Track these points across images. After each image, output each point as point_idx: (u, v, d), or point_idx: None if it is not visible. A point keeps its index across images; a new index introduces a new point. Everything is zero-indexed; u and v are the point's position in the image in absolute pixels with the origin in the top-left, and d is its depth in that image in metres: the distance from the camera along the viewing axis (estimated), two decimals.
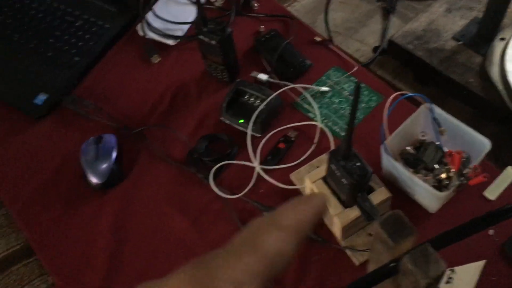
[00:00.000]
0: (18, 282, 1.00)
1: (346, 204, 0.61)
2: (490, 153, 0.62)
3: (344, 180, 0.57)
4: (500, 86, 0.80)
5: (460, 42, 0.88)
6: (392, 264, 0.33)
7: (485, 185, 0.67)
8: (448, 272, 0.62)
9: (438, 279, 0.31)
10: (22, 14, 0.93)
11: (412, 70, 0.91)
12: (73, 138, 0.79)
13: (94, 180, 0.72)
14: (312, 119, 0.77)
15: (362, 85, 0.80)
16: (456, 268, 0.61)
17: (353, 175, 0.56)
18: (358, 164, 0.56)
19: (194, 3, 0.92)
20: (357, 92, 0.47)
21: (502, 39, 0.86)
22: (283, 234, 0.26)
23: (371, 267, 0.44)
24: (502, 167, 0.70)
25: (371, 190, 0.62)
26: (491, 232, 0.64)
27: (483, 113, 0.84)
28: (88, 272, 0.66)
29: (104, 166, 0.73)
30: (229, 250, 0.25)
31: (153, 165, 0.76)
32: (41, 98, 0.82)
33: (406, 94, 0.64)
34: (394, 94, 0.62)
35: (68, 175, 0.75)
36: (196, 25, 0.74)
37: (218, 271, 0.24)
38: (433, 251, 0.31)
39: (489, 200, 0.66)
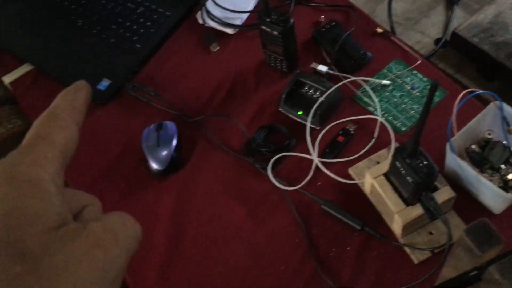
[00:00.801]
0: None
1: (408, 202, 0.60)
2: None
3: (409, 178, 0.57)
4: None
5: None
6: (474, 272, 0.32)
7: None
8: None
9: None
10: (86, 0, 0.95)
11: (476, 64, 0.88)
12: (134, 124, 0.81)
13: (154, 166, 0.74)
14: (372, 113, 0.76)
15: (424, 79, 0.78)
16: None
17: (420, 173, 0.55)
18: (425, 162, 0.55)
19: None
20: (432, 92, 0.46)
21: None
22: (65, 123, 0.26)
23: (446, 272, 0.43)
24: None
25: (435, 189, 0.61)
26: None
27: None
28: (148, 257, 0.68)
29: (165, 153, 0.74)
30: (24, 147, 0.24)
31: (211, 154, 0.77)
32: (104, 83, 0.84)
33: (475, 91, 0.62)
34: (463, 92, 0.60)
35: (129, 160, 0.77)
36: (259, 15, 0.74)
37: None
38: None
39: None
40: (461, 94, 0.60)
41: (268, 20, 0.74)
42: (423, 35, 0.93)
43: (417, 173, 0.55)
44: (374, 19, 0.91)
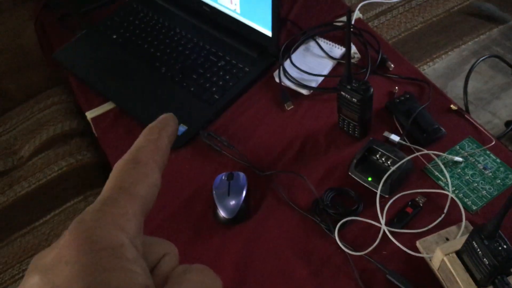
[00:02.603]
0: None
1: (480, 284, 0.60)
2: None
3: (485, 260, 0.56)
4: None
5: None
6: None
7: None
8: None
9: None
10: (171, 49, 1.02)
11: None
12: (206, 171, 0.84)
13: (223, 214, 0.76)
14: (442, 188, 0.76)
15: (498, 160, 0.78)
16: None
17: (498, 257, 0.55)
18: (504, 246, 0.55)
19: (340, 60, 0.95)
20: None
21: None
22: (147, 169, 0.24)
23: None
24: None
25: (509, 273, 0.60)
26: None
27: None
28: None
29: (234, 202, 0.76)
30: (102, 200, 0.23)
31: (278, 209, 0.78)
32: (181, 129, 0.88)
33: None
34: None
35: (198, 206, 0.80)
36: (340, 81, 0.77)
37: None
38: None
39: None
40: None
41: (349, 87, 0.76)
42: (493, 115, 0.94)
43: (495, 256, 0.55)
44: (447, 95, 0.93)
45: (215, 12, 1.02)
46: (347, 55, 0.73)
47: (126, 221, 0.22)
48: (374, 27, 1.16)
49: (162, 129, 0.27)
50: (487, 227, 0.56)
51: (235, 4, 0.97)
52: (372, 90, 0.77)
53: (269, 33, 0.94)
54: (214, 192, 0.78)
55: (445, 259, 0.63)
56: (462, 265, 0.62)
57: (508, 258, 0.55)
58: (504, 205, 0.52)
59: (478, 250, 0.57)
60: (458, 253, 0.63)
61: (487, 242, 0.56)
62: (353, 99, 0.77)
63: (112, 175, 0.24)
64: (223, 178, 0.79)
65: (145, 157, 0.25)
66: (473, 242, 0.58)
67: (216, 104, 0.91)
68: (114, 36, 1.07)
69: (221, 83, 0.94)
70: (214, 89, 0.93)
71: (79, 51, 1.07)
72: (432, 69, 1.03)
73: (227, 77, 0.95)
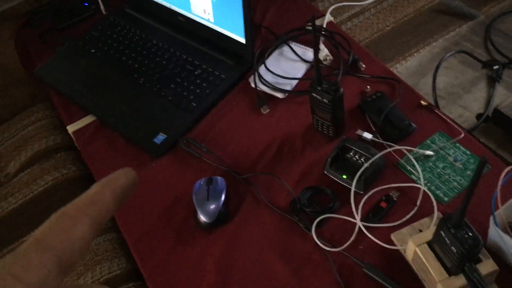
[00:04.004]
0: None
1: (451, 272, 0.62)
2: None
3: (453, 248, 0.58)
4: None
5: None
6: None
7: None
8: None
9: None
10: (149, 60, 1.04)
11: None
12: (186, 177, 0.86)
13: (203, 218, 0.78)
14: (414, 182, 0.79)
15: (468, 152, 0.80)
16: None
17: (464, 244, 0.57)
18: (470, 234, 0.57)
19: (311, 62, 0.98)
20: (481, 167, 0.49)
21: None
22: (71, 220, 0.24)
23: None
24: None
25: (478, 260, 0.63)
26: None
27: None
28: None
29: (213, 206, 0.78)
30: (16, 253, 0.23)
31: (257, 210, 0.80)
32: (160, 138, 0.90)
33: None
34: (508, 168, 0.63)
35: (179, 212, 0.82)
36: (311, 83, 0.79)
37: None
38: None
39: None
40: (506, 169, 0.62)
41: (319, 88, 0.79)
42: (465, 109, 0.97)
43: (462, 244, 0.57)
44: (418, 91, 0.96)
45: (190, 22, 1.04)
46: (315, 58, 0.75)
47: (23, 272, 0.22)
48: (347, 30, 1.19)
49: (106, 184, 0.27)
50: (453, 216, 0.58)
51: (209, 14, 0.99)
52: (342, 90, 0.79)
53: (242, 40, 0.96)
54: (194, 197, 0.80)
55: (417, 249, 0.65)
56: (434, 254, 0.64)
57: (474, 245, 0.57)
58: (465, 195, 0.54)
59: (446, 239, 0.59)
60: (430, 243, 0.65)
61: (454, 231, 0.58)
62: (324, 100, 0.79)
63: (40, 228, 0.24)
64: (202, 183, 0.81)
65: (73, 210, 0.25)
66: (441, 232, 0.60)
67: (194, 112, 0.93)
68: (93, 50, 1.09)
69: (198, 91, 0.96)
70: (191, 97, 0.95)
71: (59, 66, 1.09)
72: (405, 68, 1.06)
73: (204, 84, 0.97)
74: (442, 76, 1.03)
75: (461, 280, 0.61)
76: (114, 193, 0.27)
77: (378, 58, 1.01)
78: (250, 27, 0.94)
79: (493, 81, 1.00)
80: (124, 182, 0.28)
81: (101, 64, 1.06)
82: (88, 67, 1.06)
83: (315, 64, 0.77)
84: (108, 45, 1.09)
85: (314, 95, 0.80)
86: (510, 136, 0.90)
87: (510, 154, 0.88)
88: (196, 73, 0.99)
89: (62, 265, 0.24)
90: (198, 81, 0.98)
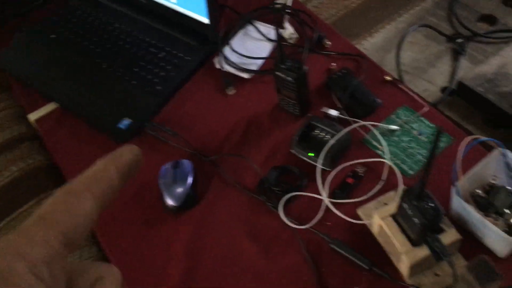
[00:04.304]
0: None
1: (415, 243, 0.63)
2: None
3: (415, 220, 0.59)
4: None
5: None
6: None
7: None
8: None
9: None
10: (111, 44, 1.01)
11: (481, 113, 0.91)
12: (153, 162, 0.84)
13: (170, 202, 0.77)
14: (380, 156, 0.79)
15: (431, 125, 0.81)
16: None
17: (426, 215, 0.58)
18: (431, 204, 0.58)
19: (274, 41, 0.97)
20: (437, 138, 0.49)
21: None
22: (75, 197, 0.23)
23: None
24: None
25: (441, 230, 0.63)
26: None
27: None
28: None
29: (180, 190, 0.78)
30: (19, 232, 0.22)
31: (225, 192, 0.80)
32: (125, 123, 0.88)
33: (479, 138, 0.66)
34: (468, 138, 0.64)
35: (147, 197, 0.81)
36: (275, 62, 0.79)
37: None
38: None
39: None
40: (466, 140, 0.63)
41: (283, 67, 0.78)
42: (430, 83, 0.97)
43: (423, 215, 0.58)
44: (383, 67, 0.96)
45: (152, 3, 1.02)
46: (277, 36, 0.74)
47: (29, 248, 0.22)
48: (314, 7, 1.18)
49: (110, 160, 0.27)
50: (414, 188, 0.59)
51: None
52: (305, 68, 0.79)
53: (206, 20, 0.95)
54: (160, 181, 0.79)
55: (382, 223, 0.66)
56: (398, 227, 0.65)
57: (435, 216, 0.58)
58: (425, 167, 0.54)
59: (408, 211, 0.60)
60: (394, 216, 0.65)
61: (415, 202, 0.59)
62: (288, 78, 0.78)
63: (45, 202, 0.24)
64: (168, 167, 0.80)
65: (78, 186, 0.25)
66: (403, 204, 0.61)
67: (159, 95, 0.92)
68: (53, 36, 1.06)
69: (162, 74, 0.95)
70: (156, 80, 0.94)
71: (18, 53, 1.06)
72: (371, 43, 1.06)
73: (169, 67, 0.95)
74: (408, 51, 1.03)
75: (424, 250, 0.62)
76: (119, 170, 0.27)
77: (345, 35, 1.00)
78: (213, 7, 0.92)
79: (457, 54, 1.01)
80: (129, 158, 0.28)
81: (62, 49, 1.03)
82: (49, 53, 1.03)
83: (278, 43, 0.76)
84: (69, 30, 1.06)
85: (278, 73, 0.79)
86: (474, 108, 0.91)
87: (474, 126, 0.90)
88: (160, 55, 0.98)
89: (66, 242, 0.23)
90: (162, 63, 0.96)
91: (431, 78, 0.98)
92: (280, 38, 0.75)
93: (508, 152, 0.67)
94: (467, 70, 0.95)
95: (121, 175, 0.27)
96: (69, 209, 0.24)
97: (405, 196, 0.60)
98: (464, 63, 1.00)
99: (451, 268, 0.60)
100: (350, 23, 1.11)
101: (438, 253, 0.59)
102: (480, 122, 0.90)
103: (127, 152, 0.28)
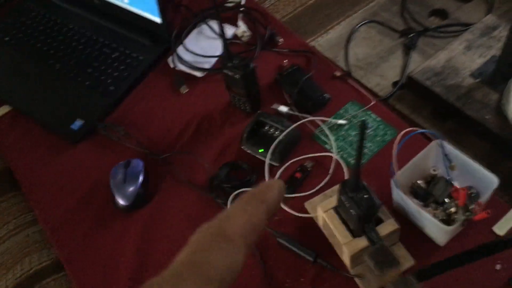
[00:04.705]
0: None
1: (355, 234, 0.64)
2: (505, 189, 0.64)
3: (352, 211, 0.61)
4: None
5: (477, 80, 0.91)
6: None
7: (495, 220, 0.69)
8: None
9: None
10: (65, 45, 1.01)
11: (430, 106, 0.93)
12: (105, 162, 0.85)
13: (121, 202, 0.77)
14: (328, 151, 0.80)
15: (378, 119, 0.83)
16: None
17: (361, 206, 0.59)
18: (366, 196, 0.59)
19: (227, 39, 0.97)
20: (362, 129, 0.51)
21: None
22: (232, 246, 0.23)
23: None
24: None
25: (380, 221, 0.65)
26: (498, 267, 0.65)
27: (499, 149, 0.86)
28: None
29: (131, 189, 0.78)
30: (172, 276, 0.22)
31: (176, 190, 0.80)
32: (77, 124, 0.88)
33: (416, 130, 0.67)
34: (404, 130, 0.65)
35: (98, 197, 0.81)
36: (222, 60, 0.79)
37: None
38: (414, 282, 0.34)
39: (498, 235, 0.68)
40: (402, 132, 0.65)
41: (230, 64, 0.79)
42: (382, 78, 0.99)
43: (359, 206, 0.59)
44: (337, 63, 0.97)
45: (105, 3, 1.02)
46: (221, 33, 0.75)
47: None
48: (272, 6, 1.19)
49: (263, 201, 0.26)
50: (349, 181, 0.60)
51: None
52: (252, 65, 0.80)
53: (158, 20, 0.95)
54: (111, 181, 0.80)
55: (324, 215, 0.67)
56: (339, 219, 0.66)
57: (369, 206, 0.59)
58: (355, 159, 0.55)
59: (346, 202, 0.61)
60: (335, 208, 0.67)
61: (351, 194, 0.60)
62: (236, 76, 0.79)
63: (193, 241, 0.24)
64: (119, 166, 0.81)
65: (233, 231, 0.24)
66: (341, 196, 0.62)
67: (112, 95, 0.92)
68: (7, 38, 1.05)
69: (116, 74, 0.95)
70: (109, 81, 0.94)
71: None
72: (326, 40, 1.07)
73: (122, 67, 0.96)
74: (361, 47, 1.05)
75: (363, 241, 0.63)
76: (269, 213, 0.27)
77: (301, 32, 1.02)
78: (164, 6, 0.93)
79: (408, 49, 1.03)
80: (277, 198, 0.28)
81: (16, 52, 1.03)
82: (2, 55, 1.02)
83: (223, 40, 0.77)
84: (23, 32, 1.05)
85: (226, 71, 0.80)
86: (422, 101, 0.94)
87: (423, 118, 0.92)
88: (113, 56, 0.98)
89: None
90: (115, 64, 0.96)
91: (383, 73, 1.00)
92: (223, 36, 0.76)
93: (445, 144, 0.68)
94: (417, 64, 0.97)
95: (269, 217, 0.27)
96: (223, 261, 0.24)
97: (342, 189, 0.61)
98: (415, 57, 1.02)
99: None
100: (306, 20, 1.13)
101: (374, 242, 0.61)
102: (429, 115, 0.92)
103: (277, 189, 0.27)
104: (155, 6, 0.93)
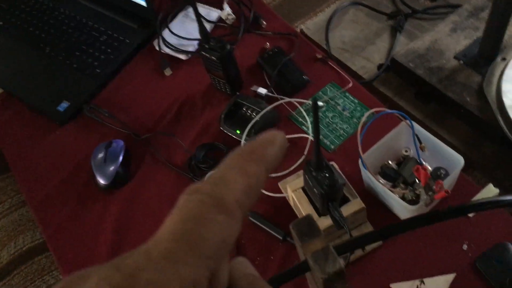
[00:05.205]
0: (39, 272, 1.10)
1: (321, 213, 0.65)
2: (486, 171, 0.64)
3: (315, 190, 0.61)
4: (494, 105, 0.81)
5: (461, 62, 0.90)
6: (304, 262, 0.37)
7: (465, 200, 0.69)
8: (417, 282, 0.64)
9: (336, 276, 0.35)
10: (55, 29, 1.03)
11: (413, 88, 0.93)
12: (89, 143, 0.87)
13: (101, 181, 0.80)
14: (305, 132, 0.81)
15: (355, 101, 0.83)
16: (426, 280, 0.64)
17: (323, 185, 0.60)
18: (327, 175, 0.60)
19: (213, 22, 0.98)
20: (315, 107, 0.51)
21: (504, 59, 0.87)
22: (230, 218, 0.20)
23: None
24: (497, 186, 0.72)
25: (346, 200, 0.66)
26: (464, 247, 0.66)
27: (480, 132, 0.86)
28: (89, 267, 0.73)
29: (111, 168, 0.80)
30: (163, 257, 0.19)
31: (156, 170, 0.82)
32: (63, 105, 0.90)
33: (384, 111, 0.68)
34: (370, 111, 0.66)
35: (81, 177, 0.83)
36: (199, 42, 0.80)
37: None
38: (332, 251, 0.35)
39: (467, 216, 0.68)
40: (367, 113, 0.65)
41: (207, 46, 0.80)
42: (367, 61, 0.99)
43: (321, 185, 0.60)
44: (324, 46, 0.98)
45: None
46: (196, 14, 0.76)
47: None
48: None
49: (263, 159, 0.23)
50: (312, 160, 0.61)
51: None
52: (229, 46, 0.80)
53: (143, 3, 0.96)
54: (92, 161, 0.82)
55: (293, 194, 0.68)
56: (307, 198, 0.67)
57: (331, 185, 0.60)
58: (314, 138, 0.56)
59: (310, 182, 0.62)
60: (303, 188, 0.68)
61: (315, 173, 0.61)
62: (213, 58, 0.80)
63: (182, 207, 0.20)
64: (101, 147, 0.83)
65: (230, 200, 0.21)
66: (306, 176, 0.63)
67: (98, 78, 0.94)
68: (0, 23, 1.08)
69: (103, 57, 0.96)
70: (96, 63, 0.96)
71: None
72: (313, 23, 1.07)
73: (109, 50, 0.97)
74: (348, 29, 1.05)
75: (329, 220, 0.64)
76: (268, 172, 0.23)
77: (291, 15, 1.02)
78: None
79: (395, 31, 1.02)
80: (278, 152, 0.24)
81: (6, 36, 1.05)
82: None
83: (199, 21, 0.77)
84: (15, 16, 1.08)
85: (203, 53, 0.81)
86: (406, 84, 0.93)
87: (406, 101, 0.91)
88: (101, 39, 0.99)
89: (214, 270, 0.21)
90: (103, 47, 0.98)
91: (369, 55, 1.00)
92: (199, 19, 0.76)
93: (415, 124, 0.69)
94: (403, 46, 0.97)
95: (268, 175, 0.23)
96: (217, 234, 0.20)
97: (306, 168, 0.62)
98: (402, 40, 1.01)
99: (350, 236, 0.62)
100: (296, 3, 1.12)
101: (337, 220, 0.62)
102: (412, 97, 0.92)
103: (278, 140, 0.24)
104: None
